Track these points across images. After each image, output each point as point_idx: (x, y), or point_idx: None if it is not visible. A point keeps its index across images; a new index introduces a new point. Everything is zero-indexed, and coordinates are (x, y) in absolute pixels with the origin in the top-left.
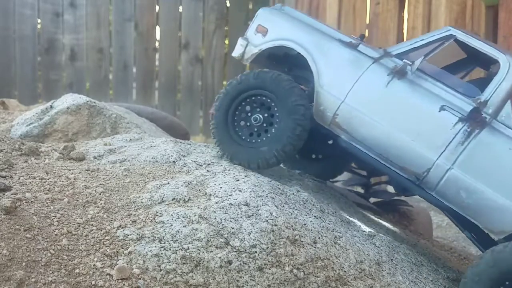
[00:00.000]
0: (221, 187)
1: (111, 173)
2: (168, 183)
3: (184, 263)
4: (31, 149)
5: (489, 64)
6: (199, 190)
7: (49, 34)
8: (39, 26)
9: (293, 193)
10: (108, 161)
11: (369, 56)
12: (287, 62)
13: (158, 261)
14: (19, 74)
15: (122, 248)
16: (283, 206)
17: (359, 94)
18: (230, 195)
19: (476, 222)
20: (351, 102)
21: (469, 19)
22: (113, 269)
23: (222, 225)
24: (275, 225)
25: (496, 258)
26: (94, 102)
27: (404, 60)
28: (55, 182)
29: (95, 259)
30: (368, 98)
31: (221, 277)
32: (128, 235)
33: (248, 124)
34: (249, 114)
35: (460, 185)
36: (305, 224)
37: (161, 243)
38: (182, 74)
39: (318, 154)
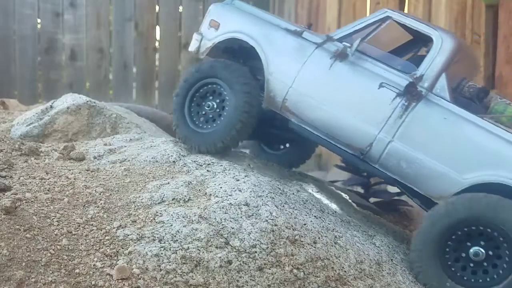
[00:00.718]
0: (221, 187)
1: (111, 173)
2: (168, 183)
3: (184, 263)
4: (31, 149)
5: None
6: (199, 190)
7: (49, 34)
8: (39, 26)
9: (293, 193)
10: (108, 161)
11: (312, 42)
12: (242, 54)
13: (158, 261)
14: (19, 74)
15: (122, 248)
16: (283, 206)
17: (305, 79)
18: (230, 195)
19: (417, 189)
20: (298, 87)
21: (469, 19)
22: (113, 269)
23: (222, 225)
24: (275, 225)
25: (448, 209)
26: (94, 102)
27: (343, 43)
28: (55, 182)
29: (95, 259)
30: (313, 81)
31: (221, 277)
32: (128, 235)
33: (203, 111)
34: (204, 101)
35: (400, 156)
36: (305, 224)
37: (161, 243)
38: (182, 74)
39: (283, 143)
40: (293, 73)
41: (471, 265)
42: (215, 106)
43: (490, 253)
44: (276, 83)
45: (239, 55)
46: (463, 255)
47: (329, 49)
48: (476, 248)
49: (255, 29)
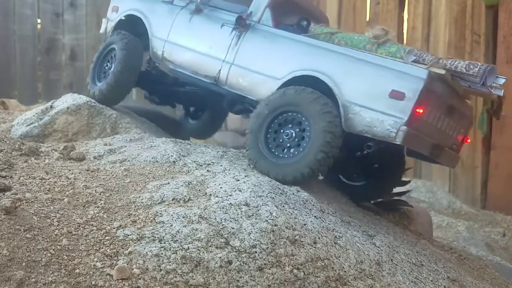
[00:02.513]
0: (221, 187)
1: (111, 173)
2: (168, 183)
3: (184, 263)
4: (31, 149)
5: None
6: (199, 190)
7: (49, 34)
8: (39, 26)
9: (293, 193)
10: (108, 161)
11: (179, 6)
12: (133, 27)
13: (158, 261)
14: (19, 74)
15: (122, 248)
16: (283, 206)
17: (174, 32)
18: (230, 195)
19: (251, 97)
20: (171, 39)
21: (469, 19)
22: (113, 269)
23: (222, 225)
24: (275, 225)
25: (267, 101)
26: (94, 102)
27: (198, 2)
28: (55, 182)
29: (95, 259)
30: (180, 33)
31: (221, 277)
32: (128, 235)
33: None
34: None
35: (238, 74)
36: (305, 224)
37: (161, 243)
38: None
39: (200, 113)
40: (167, 30)
41: (286, 144)
42: (294, 134)
43: (297, 134)
44: (157, 41)
45: (131, 27)
46: (280, 136)
47: (189, 8)
48: (288, 130)
49: (141, 5)
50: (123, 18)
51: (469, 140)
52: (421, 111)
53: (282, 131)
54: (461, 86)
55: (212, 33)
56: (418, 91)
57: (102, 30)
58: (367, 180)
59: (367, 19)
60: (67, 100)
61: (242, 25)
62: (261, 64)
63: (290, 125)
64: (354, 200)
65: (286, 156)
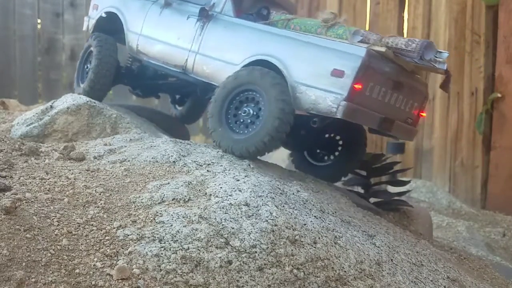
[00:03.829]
0: (221, 187)
1: (111, 173)
2: (168, 183)
3: (184, 263)
4: (31, 149)
5: None
6: (199, 190)
7: (49, 34)
8: (39, 26)
9: (293, 193)
10: (108, 161)
11: (151, 1)
12: (111, 24)
13: (158, 261)
14: (19, 74)
15: (122, 248)
16: (283, 206)
17: (147, 26)
18: (230, 195)
19: (215, 83)
20: (144, 33)
21: (469, 19)
22: (113, 269)
23: (222, 225)
24: (275, 225)
25: (225, 82)
26: (94, 102)
27: None
28: (55, 182)
29: (95, 259)
30: (151, 26)
31: (221, 277)
32: (128, 235)
33: (238, 115)
34: (240, 107)
35: (203, 62)
36: (305, 224)
37: (161, 243)
38: None
39: (185, 99)
40: (140, 24)
41: (242, 120)
42: (251, 112)
43: (255, 112)
44: (131, 35)
45: (110, 25)
46: (239, 116)
47: (159, 3)
48: (245, 108)
49: (117, 2)
50: (103, 15)
51: (424, 114)
52: (359, 86)
53: (240, 111)
54: (408, 62)
55: (179, 25)
56: (356, 69)
57: (84, 28)
58: (332, 160)
59: (367, 19)
60: (67, 100)
61: (205, 16)
62: (222, 52)
63: (246, 104)
64: (322, 179)
65: (246, 131)
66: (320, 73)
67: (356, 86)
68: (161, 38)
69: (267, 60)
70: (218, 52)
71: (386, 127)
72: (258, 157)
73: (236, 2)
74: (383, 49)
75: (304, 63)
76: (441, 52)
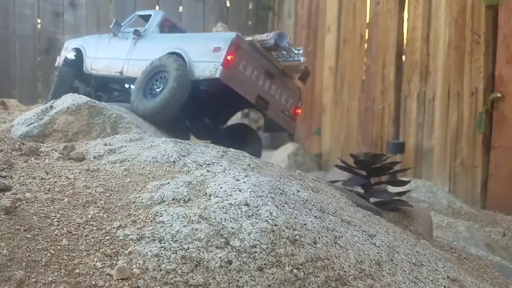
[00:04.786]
0: (221, 187)
1: (111, 173)
2: (168, 183)
3: (184, 263)
4: (31, 149)
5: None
6: (199, 190)
7: (49, 34)
8: (39, 26)
9: (293, 193)
10: (108, 161)
11: (104, 36)
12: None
13: (158, 261)
14: (19, 74)
15: (122, 248)
16: (283, 206)
17: (98, 51)
18: (230, 195)
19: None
20: (96, 56)
21: (469, 19)
22: (113, 269)
23: (222, 225)
24: (275, 225)
25: (152, 61)
26: (94, 102)
27: (112, 29)
28: (55, 182)
29: (95, 259)
30: (101, 50)
31: (221, 277)
32: (128, 235)
33: (152, 88)
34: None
35: (134, 64)
36: (305, 224)
37: (161, 243)
38: None
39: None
40: (95, 51)
41: (155, 92)
42: (161, 86)
43: (163, 85)
44: (88, 59)
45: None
46: (154, 87)
47: (110, 35)
48: (157, 82)
49: (80, 41)
50: (71, 51)
51: (299, 111)
52: (231, 57)
53: (154, 85)
54: (277, 60)
55: (120, 45)
56: (228, 44)
57: (56, 64)
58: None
59: (367, 18)
60: (67, 100)
61: (138, 35)
62: (147, 54)
63: (157, 80)
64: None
65: (156, 96)
66: (206, 52)
67: (228, 57)
68: (107, 56)
69: (175, 51)
70: (145, 55)
71: (262, 106)
72: (256, 158)
73: (161, 28)
74: (250, 38)
75: (197, 48)
76: (298, 48)
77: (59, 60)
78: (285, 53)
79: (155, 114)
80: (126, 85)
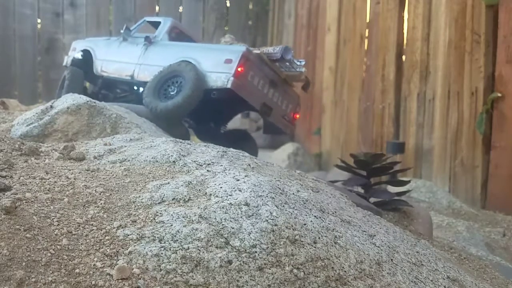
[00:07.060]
0: (221, 187)
1: (111, 173)
2: (168, 183)
3: (184, 263)
4: (31, 149)
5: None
6: (199, 190)
7: (49, 34)
8: (39, 26)
9: (293, 193)
10: (108, 161)
11: (113, 39)
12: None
13: (158, 261)
14: (19, 74)
15: (122, 248)
16: (283, 206)
17: (108, 54)
18: (230, 195)
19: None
20: (106, 58)
21: (469, 19)
22: (113, 269)
23: (222, 225)
24: (275, 225)
25: (169, 65)
26: (94, 102)
27: (123, 34)
28: (55, 182)
29: (95, 259)
30: (112, 53)
31: (221, 277)
32: (128, 235)
33: (167, 90)
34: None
35: (145, 69)
36: (305, 224)
37: (161, 243)
38: None
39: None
40: (104, 54)
41: (169, 94)
42: (175, 90)
43: (177, 89)
44: (98, 61)
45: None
46: (168, 89)
47: (119, 40)
48: (172, 86)
49: (89, 43)
50: (80, 51)
51: (298, 116)
52: (240, 69)
53: (169, 88)
54: (280, 70)
55: (131, 50)
56: (239, 57)
57: (64, 63)
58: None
59: (367, 18)
60: (67, 100)
61: (148, 41)
62: (158, 61)
63: (172, 83)
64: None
65: (171, 97)
66: (218, 63)
67: (239, 68)
68: (118, 59)
69: (187, 60)
70: (156, 61)
71: (266, 112)
72: (256, 158)
73: (169, 35)
74: (258, 51)
75: (209, 59)
76: (300, 60)
77: (67, 60)
78: (288, 64)
79: (167, 111)
80: (135, 88)
